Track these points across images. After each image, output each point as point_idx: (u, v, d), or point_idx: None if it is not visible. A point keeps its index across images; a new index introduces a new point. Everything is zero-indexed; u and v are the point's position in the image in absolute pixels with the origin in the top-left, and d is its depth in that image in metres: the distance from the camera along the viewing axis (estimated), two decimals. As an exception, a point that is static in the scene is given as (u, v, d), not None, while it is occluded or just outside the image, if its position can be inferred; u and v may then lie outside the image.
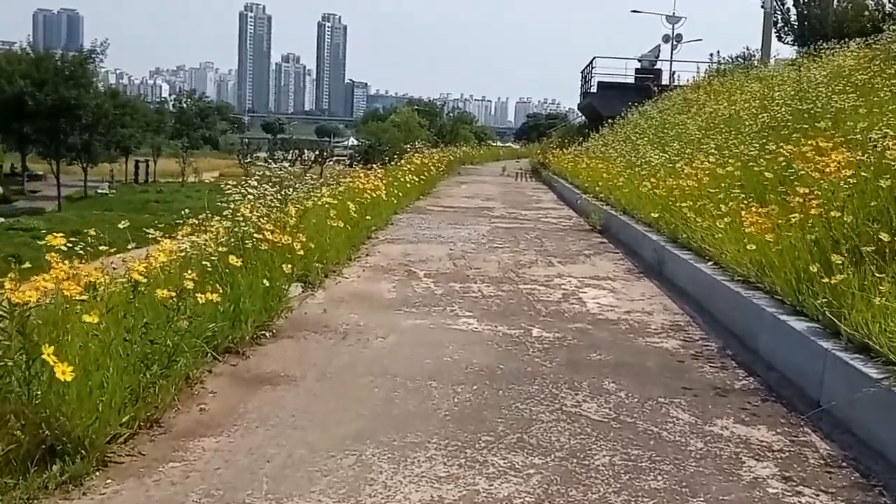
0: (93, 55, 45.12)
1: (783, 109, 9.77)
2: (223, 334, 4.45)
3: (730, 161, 8.11)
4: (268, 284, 4.78)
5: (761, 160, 7.79)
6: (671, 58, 35.35)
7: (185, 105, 77.03)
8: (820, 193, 5.31)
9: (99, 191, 53.80)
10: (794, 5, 34.06)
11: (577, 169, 17.70)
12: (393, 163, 18.26)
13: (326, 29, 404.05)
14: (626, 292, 7.02)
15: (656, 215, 8.26)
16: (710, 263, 6.29)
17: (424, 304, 6.26)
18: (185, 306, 3.74)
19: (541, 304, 6.42)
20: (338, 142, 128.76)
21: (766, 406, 4.12)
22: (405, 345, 5.03)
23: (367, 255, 8.49)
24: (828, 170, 5.31)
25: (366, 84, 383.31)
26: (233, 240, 5.27)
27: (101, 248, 4.15)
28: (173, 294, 3.59)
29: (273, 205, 6.10)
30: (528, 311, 6.16)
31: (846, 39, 16.60)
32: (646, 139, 15.41)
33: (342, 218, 7.69)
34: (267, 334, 4.99)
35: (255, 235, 5.25)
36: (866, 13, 25.31)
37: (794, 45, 32.82)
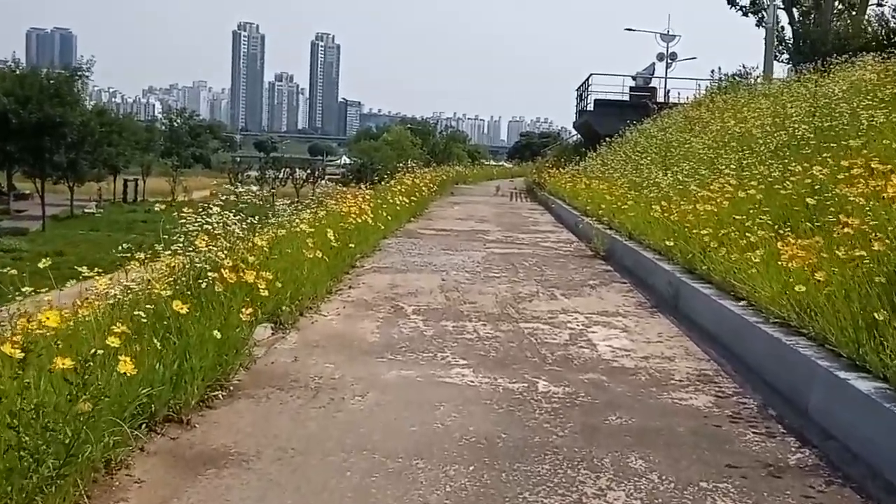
0: (78, 72, 44.33)
1: (802, 127, 9.00)
2: (161, 400, 3.62)
3: (752, 184, 7.33)
4: (220, 336, 3.93)
5: (787, 182, 7.02)
6: (666, 75, 34.83)
7: (175, 123, 76.21)
8: (876, 223, 4.53)
9: (86, 210, 52.82)
10: (789, 23, 33.61)
11: (575, 190, 16.92)
12: (384, 182, 17.47)
13: (320, 48, 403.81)
14: (640, 332, 6.21)
15: (671, 243, 7.45)
16: (742, 303, 5.46)
17: (412, 348, 5.43)
18: (99, 376, 2.91)
19: (545, 347, 5.59)
20: (331, 160, 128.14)
21: (834, 493, 3.31)
22: (387, 406, 4.20)
23: (350, 287, 7.66)
24: (886, 195, 4.51)
25: (359, 103, 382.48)
26: (184, 279, 4.44)
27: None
28: (77, 362, 2.75)
29: (236, 236, 5.27)
30: (531, 357, 5.34)
31: (849, 56, 15.98)
32: (648, 159, 14.65)
33: (321, 247, 6.86)
34: (220, 395, 4.15)
35: (210, 274, 4.42)
36: (869, 29, 24.80)
37: (788, 63, 32.34)
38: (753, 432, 3.99)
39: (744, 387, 4.76)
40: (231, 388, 4.31)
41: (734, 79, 23.13)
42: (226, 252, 4.87)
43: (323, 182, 67.40)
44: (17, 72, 43.24)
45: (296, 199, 16.92)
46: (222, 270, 4.41)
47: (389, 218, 12.12)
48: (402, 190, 15.68)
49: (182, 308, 3.86)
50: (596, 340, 5.88)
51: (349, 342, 5.54)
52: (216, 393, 4.13)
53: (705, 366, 5.25)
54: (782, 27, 34.90)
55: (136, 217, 50.03)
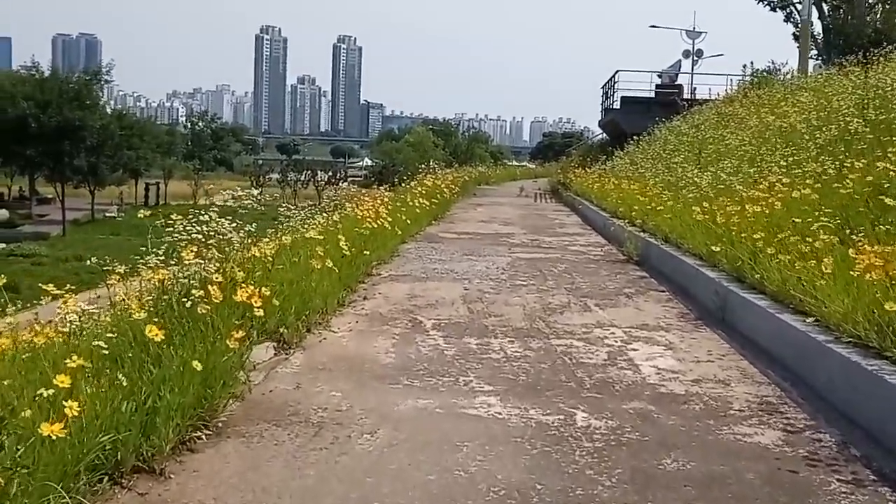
0: (98, 76, 44.10)
1: (855, 121, 8.28)
2: (128, 448, 3.01)
3: (807, 182, 6.63)
4: (201, 367, 3.31)
5: (846, 180, 6.32)
6: (692, 72, 34.06)
7: (197, 127, 76.10)
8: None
9: (107, 214, 52.68)
10: (818, 18, 32.69)
11: (604, 190, 16.20)
12: (404, 184, 16.87)
13: (342, 51, 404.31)
14: (686, 350, 5.53)
15: (717, 249, 6.76)
16: (810, 320, 4.76)
17: (431, 372, 4.80)
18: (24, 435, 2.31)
19: (581, 369, 4.94)
20: (352, 162, 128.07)
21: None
22: (400, 447, 3.57)
23: (365, 297, 7.05)
24: None
25: (381, 105, 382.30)
26: (166, 297, 3.84)
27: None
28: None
29: (232, 246, 4.67)
30: (566, 381, 4.69)
31: (888, 49, 15.24)
32: (681, 157, 13.92)
33: (331, 255, 6.25)
34: (205, 434, 3.54)
35: (196, 292, 3.81)
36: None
37: (817, 58, 31.43)
38: (838, 480, 3.33)
39: (816, 418, 4.09)
40: (219, 424, 3.69)
41: (766, 74, 22.36)
42: (218, 265, 4.26)
43: (344, 184, 67.18)
44: (37, 76, 43.07)
45: (318, 202, 16.40)
46: (210, 287, 3.80)
47: (409, 222, 11.51)
48: (423, 192, 15.06)
49: (157, 334, 3.26)
50: (638, 360, 5.21)
51: (360, 364, 4.91)
52: (199, 431, 3.52)
53: (766, 391, 4.57)
54: (811, 22, 34.02)
55: (157, 221, 49.76)
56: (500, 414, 4.05)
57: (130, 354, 3.36)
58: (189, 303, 3.80)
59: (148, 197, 64.90)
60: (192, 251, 4.17)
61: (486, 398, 4.31)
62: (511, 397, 4.33)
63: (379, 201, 10.69)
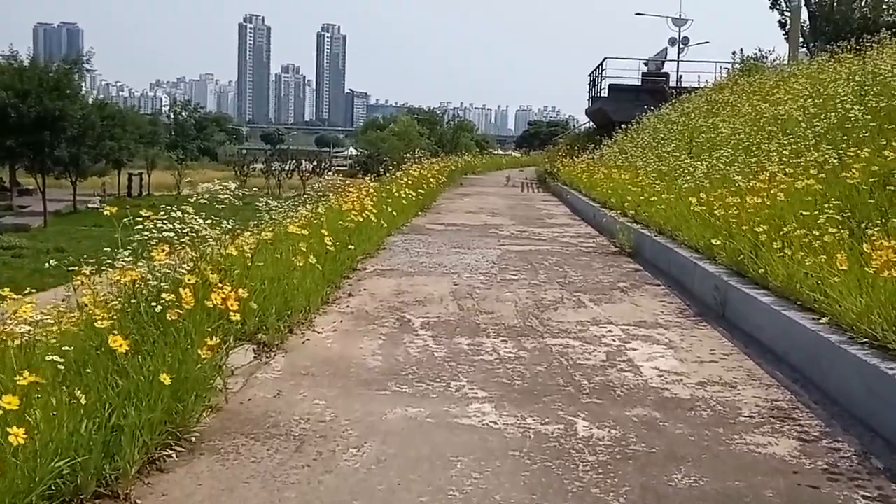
0: (77, 65, 43.33)
1: (855, 108, 8.03)
2: (88, 472, 2.72)
3: (811, 172, 6.38)
4: (169, 381, 3.02)
5: (852, 170, 6.08)
6: (678, 60, 33.82)
7: (180, 116, 75.33)
8: None
9: (89, 205, 51.96)
10: (804, 5, 32.48)
11: (593, 180, 15.94)
12: (389, 175, 16.54)
13: (326, 39, 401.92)
14: (688, 349, 5.28)
15: (718, 242, 6.50)
16: (824, 319, 4.50)
17: (420, 375, 4.52)
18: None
19: (580, 372, 4.67)
20: (337, 152, 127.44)
21: None
22: (390, 463, 3.29)
23: (350, 294, 6.75)
24: None
25: (366, 94, 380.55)
26: (134, 301, 3.53)
27: None
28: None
29: (207, 244, 4.36)
30: (564, 385, 4.42)
31: (875, 35, 15.05)
32: (673, 146, 13.67)
33: (315, 251, 5.95)
34: (174, 453, 3.24)
35: (166, 296, 3.50)
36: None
37: (804, 45, 31.23)
38: (864, 497, 3.08)
39: (831, 425, 3.84)
40: (192, 439, 3.40)
41: (755, 62, 22.12)
42: (192, 265, 3.95)
43: (329, 174, 66.63)
44: (16, 65, 42.26)
45: (302, 192, 16.06)
46: (182, 290, 3.49)
47: (395, 213, 11.20)
48: (409, 182, 14.75)
49: (122, 345, 2.96)
50: (638, 361, 4.95)
51: (345, 368, 4.62)
52: (169, 451, 3.22)
53: (776, 395, 4.32)
54: (800, 9, 33.80)
55: (130, 215, 49.09)
56: (495, 423, 3.78)
57: (90, 368, 3.06)
58: (159, 308, 3.50)
59: (131, 187, 64.20)
60: (163, 250, 3.85)
61: (480, 405, 4.04)
62: (506, 404, 4.06)
63: (364, 192, 10.38)
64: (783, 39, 35.93)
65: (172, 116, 79.56)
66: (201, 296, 3.64)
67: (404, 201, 12.61)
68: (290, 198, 10.07)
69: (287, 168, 69.49)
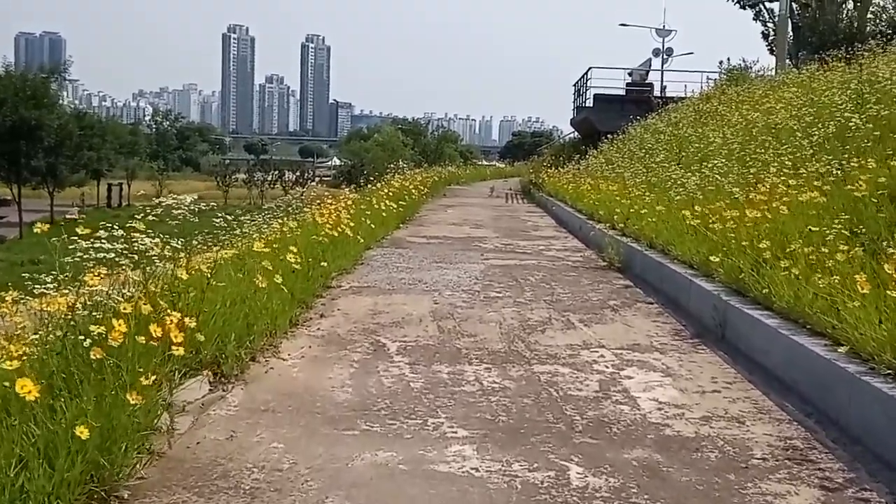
0: (55, 73, 42.68)
1: (855, 118, 7.66)
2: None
3: (814, 184, 5.98)
4: (87, 435, 2.54)
5: (858, 182, 5.68)
6: (662, 70, 33.66)
7: (161, 126, 74.63)
8: None
9: (67, 216, 51.19)
10: (787, 16, 32.36)
11: (579, 191, 15.52)
12: (370, 186, 16.07)
13: (310, 50, 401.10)
14: (688, 376, 4.84)
15: (716, 259, 6.08)
16: (844, 349, 4.06)
17: (394, 411, 4.05)
18: None
19: (571, 405, 4.22)
20: (321, 162, 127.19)
21: None
22: (353, 524, 2.82)
23: (322, 315, 6.28)
24: None
25: (350, 104, 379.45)
26: (59, 333, 3.05)
27: None
28: None
29: (156, 265, 3.88)
30: (553, 421, 3.97)
31: (863, 44, 14.85)
32: (661, 156, 13.28)
33: (283, 268, 5.49)
34: (99, 515, 2.77)
35: (94, 328, 3.02)
36: (883, 16, 23.57)
37: (788, 56, 31.11)
38: (906, 564, 2.64)
39: (855, 469, 3.41)
40: (125, 496, 2.93)
41: (741, 71, 21.86)
42: (134, 290, 3.47)
43: (313, 184, 66.11)
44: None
45: (282, 203, 15.54)
46: (116, 321, 3.01)
47: (374, 226, 10.73)
48: (390, 193, 14.29)
49: (31, 391, 2.49)
50: (634, 391, 4.51)
51: (310, 403, 4.15)
52: (93, 511, 2.75)
53: (789, 431, 3.89)
54: (788, 18, 33.70)
55: (119, 223, 48.42)
56: (477, 471, 3.32)
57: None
58: (88, 342, 3.02)
59: (111, 198, 63.50)
60: (98, 275, 3.37)
61: (460, 448, 3.58)
62: (490, 446, 3.60)
63: (342, 205, 9.91)
64: (766, 50, 35.92)
65: (154, 126, 78.71)
66: (139, 327, 3.16)
67: (384, 213, 12.14)
68: (265, 210, 9.61)
69: (270, 178, 68.99)
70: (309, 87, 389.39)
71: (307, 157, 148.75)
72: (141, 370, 3.01)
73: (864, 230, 4.98)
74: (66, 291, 3.34)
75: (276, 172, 70.79)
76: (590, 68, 29.22)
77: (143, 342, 3.06)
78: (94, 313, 3.22)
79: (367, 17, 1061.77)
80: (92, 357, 2.88)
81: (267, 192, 63.30)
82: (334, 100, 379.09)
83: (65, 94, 48.59)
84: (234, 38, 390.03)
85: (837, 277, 4.32)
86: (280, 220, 8.22)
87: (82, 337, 3.06)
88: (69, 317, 3.16)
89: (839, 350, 4.01)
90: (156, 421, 3.38)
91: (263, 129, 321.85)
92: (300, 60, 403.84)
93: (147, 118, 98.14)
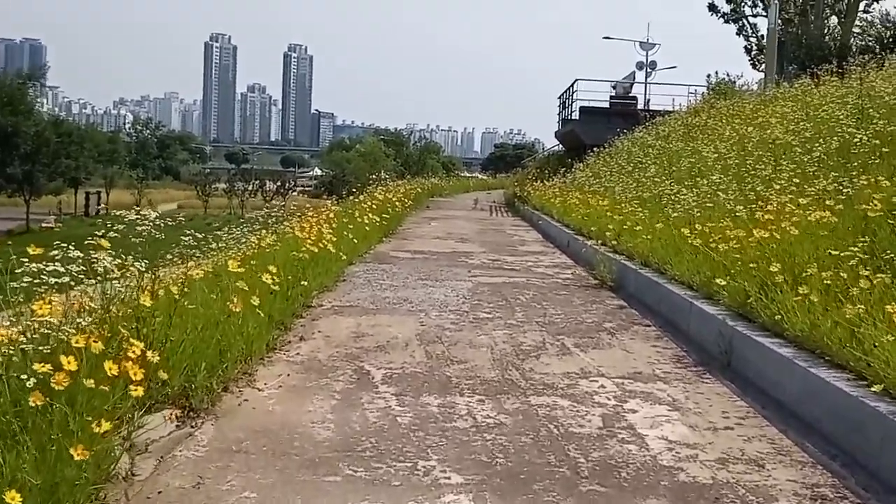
0: (32, 79, 42.01)
1: (860, 133, 7.37)
2: None
3: (826, 203, 5.66)
4: (18, 501, 2.14)
5: (872, 201, 5.36)
6: (646, 83, 33.63)
7: (142, 134, 73.88)
8: None
9: (44, 224, 50.40)
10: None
11: (567, 205, 15.20)
12: (352, 197, 15.68)
13: (292, 59, 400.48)
14: (697, 411, 4.48)
15: (722, 282, 5.74)
16: (878, 387, 3.71)
17: (380, 452, 3.66)
18: None
19: (574, 445, 3.85)
20: (303, 172, 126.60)
21: None
22: None
23: (302, 338, 5.88)
24: None
25: (332, 114, 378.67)
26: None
27: None
28: None
29: (114, 290, 3.48)
30: (557, 464, 3.60)
31: (853, 58, 14.71)
32: (652, 170, 12.99)
33: (260, 288, 5.09)
34: (36, 591, 2.36)
35: (38, 367, 2.62)
36: (871, 31, 23.49)
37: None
38: None
39: (894, 524, 3.06)
40: (69, 562, 2.52)
41: (728, 85, 21.69)
42: (89, 320, 3.07)
43: (295, 194, 65.59)
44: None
45: (261, 214, 15.14)
46: (63, 359, 2.61)
47: (356, 241, 10.34)
48: (373, 206, 13.90)
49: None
50: (641, 427, 4.15)
51: (288, 442, 3.76)
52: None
53: (815, 477, 3.53)
54: (762, 35, 33.74)
55: (96, 231, 47.68)
56: (474, 529, 2.94)
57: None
58: (32, 381, 2.62)
59: (88, 206, 62.66)
60: (47, 303, 2.97)
61: (454, 497, 3.20)
62: (488, 495, 3.23)
63: (323, 217, 9.52)
64: (748, 65, 35.96)
65: (134, 134, 77.86)
66: (93, 364, 2.77)
67: (367, 227, 11.75)
68: (244, 221, 9.24)
69: (251, 188, 68.44)
70: (291, 97, 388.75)
71: (289, 167, 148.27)
72: (90, 419, 2.61)
73: (888, 253, 4.64)
74: (9, 322, 2.94)
75: (257, 182, 70.19)
76: (576, 80, 29.06)
77: (93, 385, 2.65)
78: (41, 347, 2.81)
79: (350, 28, 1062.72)
80: (31, 403, 2.48)
81: (247, 202, 62.77)
82: (316, 109, 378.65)
83: (43, 100, 47.80)
84: (217, 47, 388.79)
85: (862, 307, 3.97)
86: (258, 235, 7.82)
87: (25, 376, 2.66)
88: (10, 352, 2.76)
89: (873, 388, 3.65)
90: (113, 467, 2.97)
91: (245, 139, 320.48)
92: (282, 70, 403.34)
93: (128, 126, 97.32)
